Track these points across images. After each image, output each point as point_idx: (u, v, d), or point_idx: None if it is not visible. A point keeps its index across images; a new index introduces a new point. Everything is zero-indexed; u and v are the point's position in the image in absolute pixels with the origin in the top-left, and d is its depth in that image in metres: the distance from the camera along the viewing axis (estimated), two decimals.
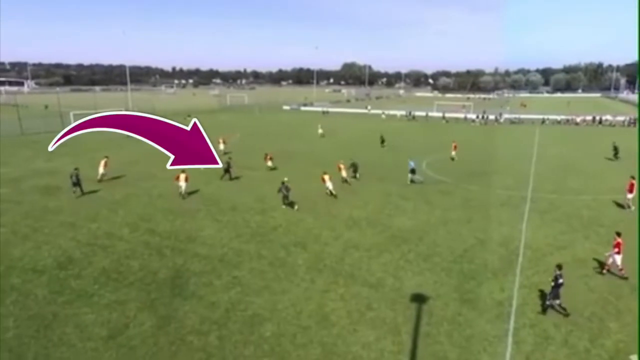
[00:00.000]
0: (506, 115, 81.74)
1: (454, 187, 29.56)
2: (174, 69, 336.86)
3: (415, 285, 15.57)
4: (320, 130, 53.68)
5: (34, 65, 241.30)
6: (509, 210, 24.51)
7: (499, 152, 44.73)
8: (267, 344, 12.18)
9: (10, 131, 52.02)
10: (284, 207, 24.17)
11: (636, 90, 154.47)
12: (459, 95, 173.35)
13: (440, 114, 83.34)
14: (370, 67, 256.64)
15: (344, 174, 30.46)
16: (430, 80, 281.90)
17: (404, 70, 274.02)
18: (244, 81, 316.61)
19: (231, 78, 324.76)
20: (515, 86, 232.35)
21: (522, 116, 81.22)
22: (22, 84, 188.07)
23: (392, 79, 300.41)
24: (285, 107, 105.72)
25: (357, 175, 31.94)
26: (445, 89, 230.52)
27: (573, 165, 37.50)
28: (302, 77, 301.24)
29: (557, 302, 13.74)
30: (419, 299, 14.60)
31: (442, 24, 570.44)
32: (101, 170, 29.94)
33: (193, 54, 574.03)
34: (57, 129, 55.71)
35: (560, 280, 13.59)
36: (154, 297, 14.57)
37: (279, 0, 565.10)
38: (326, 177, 26.86)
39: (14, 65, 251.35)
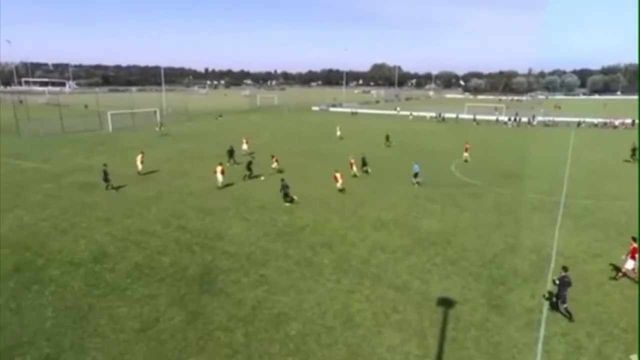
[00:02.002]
0: (539, 118, 79.37)
1: (484, 190, 28.98)
2: (206, 70, 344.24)
3: (442, 289, 15.39)
4: (338, 132, 53.37)
5: (75, 66, 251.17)
6: (541, 215, 23.85)
7: (531, 155, 43.49)
8: (292, 343, 12.31)
9: (53, 130, 54.38)
10: (286, 204, 24.76)
11: None
12: (490, 97, 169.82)
13: (470, 116, 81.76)
14: (400, 68, 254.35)
15: (354, 169, 32.19)
16: (462, 82, 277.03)
17: (434, 71, 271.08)
18: (274, 82, 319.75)
19: (262, 79, 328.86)
20: (549, 88, 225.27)
21: (557, 119, 78.69)
22: (63, 84, 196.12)
23: (422, 80, 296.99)
24: (315, 108, 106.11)
25: (368, 169, 33.34)
26: (476, 90, 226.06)
27: (610, 169, 36.13)
28: (331, 78, 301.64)
29: (565, 305, 13.61)
30: (446, 303, 14.43)
31: (475, 24, 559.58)
32: (139, 165, 32.05)
33: (225, 56, 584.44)
34: (96, 127, 58.39)
35: (557, 282, 13.66)
36: (183, 293, 14.96)
37: (310, 2, 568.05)
38: (338, 174, 27.88)
39: (57, 66, 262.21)
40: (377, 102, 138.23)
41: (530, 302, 14.55)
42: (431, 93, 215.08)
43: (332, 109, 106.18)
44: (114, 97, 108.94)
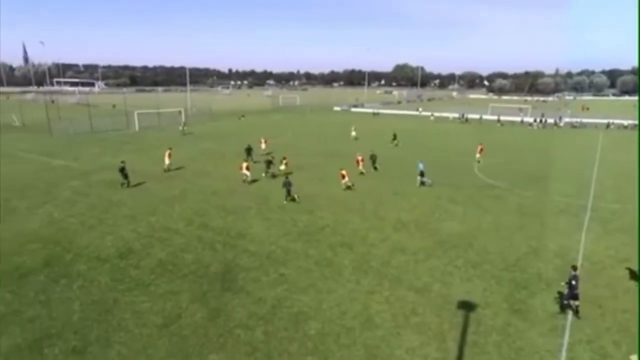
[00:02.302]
0: (567, 119, 77.35)
1: (507, 192, 28.46)
2: (230, 70, 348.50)
3: (463, 292, 15.21)
4: (353, 133, 52.88)
5: (104, 67, 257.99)
6: (566, 218, 23.29)
7: (557, 157, 42.48)
8: (311, 342, 12.38)
9: (82, 129, 55.99)
10: (285, 202, 25.23)
11: None
12: (515, 98, 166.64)
13: (494, 117, 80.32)
14: (422, 69, 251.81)
15: (360, 166, 32.95)
16: (486, 82, 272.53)
17: (458, 72, 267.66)
18: (296, 82, 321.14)
19: (284, 79, 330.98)
20: (577, 88, 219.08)
21: (585, 120, 76.53)
22: (93, 84, 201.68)
23: (445, 81, 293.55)
24: (336, 108, 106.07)
25: (377, 166, 34.23)
26: (501, 90, 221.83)
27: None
28: (353, 78, 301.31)
29: (576, 303, 13.69)
30: (467, 306, 14.27)
31: (500, 23, 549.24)
32: (167, 161, 33.20)
33: (248, 56, 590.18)
34: (123, 127, 59.80)
35: (573, 282, 13.59)
36: (205, 290, 15.21)
37: (332, 2, 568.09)
38: (344, 172, 28.47)
39: (87, 67, 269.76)
40: (399, 102, 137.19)
41: (554, 307, 14.25)
42: (454, 93, 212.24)
43: (353, 110, 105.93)
44: (140, 97, 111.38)
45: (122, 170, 28.44)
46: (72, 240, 19.52)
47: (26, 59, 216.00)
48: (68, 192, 27.34)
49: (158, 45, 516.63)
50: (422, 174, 29.96)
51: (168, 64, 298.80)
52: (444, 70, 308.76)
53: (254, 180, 29.96)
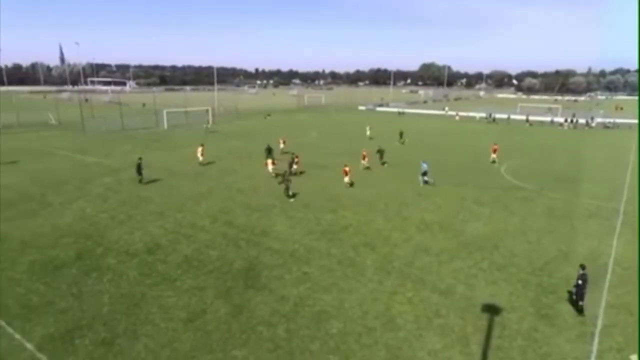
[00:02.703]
0: (599, 119, 74.81)
1: (535, 194, 27.79)
2: (256, 69, 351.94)
3: (488, 295, 14.97)
4: (368, 132, 52.49)
5: (135, 67, 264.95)
6: (597, 222, 22.58)
7: (588, 158, 41.17)
8: (332, 341, 12.43)
9: (114, 127, 57.71)
10: (291, 200, 25.71)
11: None
12: (545, 97, 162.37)
13: (523, 117, 78.43)
14: (449, 68, 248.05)
15: (365, 161, 34.12)
16: (514, 81, 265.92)
17: (486, 71, 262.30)
18: (321, 82, 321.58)
19: (310, 79, 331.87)
20: (610, 88, 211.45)
21: (618, 120, 73.86)
22: (124, 84, 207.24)
23: (473, 80, 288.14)
24: (361, 108, 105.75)
25: (384, 161, 35.85)
26: (530, 90, 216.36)
27: None
28: (379, 77, 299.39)
29: (581, 303, 13.75)
30: (492, 309, 14.03)
31: (530, 21, 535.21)
32: (200, 156, 35.11)
33: (275, 56, 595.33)
34: (152, 125, 61.10)
35: (580, 282, 13.70)
36: (229, 286, 15.47)
37: (358, 2, 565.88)
38: (347, 168, 28.92)
39: (119, 67, 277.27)
40: (425, 102, 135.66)
41: (584, 313, 13.84)
42: (482, 93, 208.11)
43: (378, 109, 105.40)
44: (169, 96, 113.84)
45: (139, 166, 29.33)
46: (103, 234, 20.16)
47: (62, 59, 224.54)
48: (100, 188, 28.24)
49: (187, 45, 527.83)
50: (424, 174, 29.82)
51: (196, 64, 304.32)
52: (472, 69, 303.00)
53: (277, 174, 30.57)
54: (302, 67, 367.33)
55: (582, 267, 14.16)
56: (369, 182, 30.36)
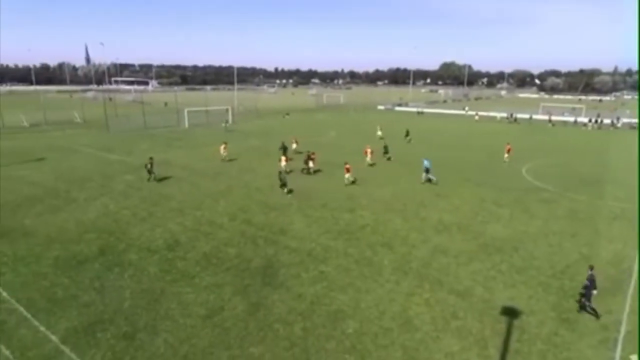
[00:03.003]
0: (625, 120, 72.66)
1: (557, 196, 27.23)
2: (276, 69, 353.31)
3: (507, 298, 14.77)
4: (379, 132, 51.75)
5: (157, 66, 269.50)
6: (622, 224, 22.02)
7: (613, 159, 40.13)
8: (348, 341, 12.44)
9: (137, 125, 58.88)
10: (289, 195, 26.45)
11: None
12: (569, 97, 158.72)
13: (545, 117, 76.83)
14: (470, 67, 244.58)
15: (368, 158, 35.27)
16: (537, 81, 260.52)
17: (507, 70, 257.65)
18: (340, 81, 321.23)
19: (329, 78, 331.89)
20: (638, 87, 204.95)
21: None
22: (147, 83, 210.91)
23: (494, 79, 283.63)
24: (380, 107, 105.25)
25: (389, 156, 37.51)
26: (553, 89, 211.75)
27: None
28: (398, 77, 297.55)
29: (590, 304, 13.75)
30: (510, 312, 13.84)
31: (554, 19, 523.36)
32: (223, 153, 36.64)
33: (294, 55, 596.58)
34: (173, 124, 62.04)
35: (587, 282, 13.73)
36: (247, 284, 15.63)
37: (378, 1, 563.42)
38: (348, 166, 29.17)
39: (142, 66, 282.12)
40: (445, 101, 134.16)
41: (606, 319, 13.55)
42: (503, 92, 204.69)
43: (397, 109, 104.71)
44: (190, 96, 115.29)
45: (150, 166, 29.74)
46: (125, 231, 20.61)
47: (88, 60, 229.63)
48: (122, 185, 28.85)
49: (208, 45, 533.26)
50: (427, 171, 29.95)
51: (217, 64, 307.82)
52: (493, 69, 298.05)
53: (290, 171, 31.76)
54: (321, 67, 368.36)
55: (591, 267, 14.14)
56: (378, 179, 30.25)
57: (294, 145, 41.23)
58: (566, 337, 12.68)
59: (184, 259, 17.68)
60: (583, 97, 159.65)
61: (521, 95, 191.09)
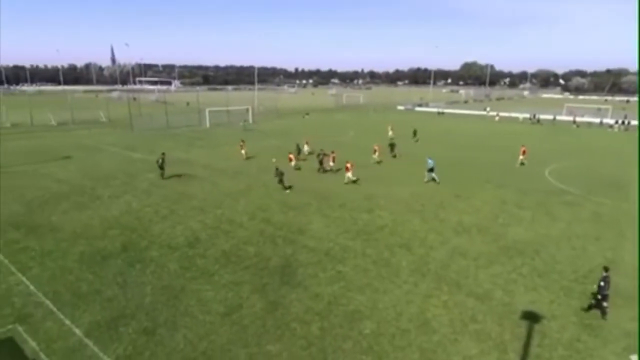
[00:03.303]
0: None
1: (581, 198, 26.61)
2: (296, 69, 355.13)
3: (528, 302, 14.52)
4: (390, 133, 50.89)
5: (180, 67, 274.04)
6: None
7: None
8: (365, 341, 12.44)
9: (159, 125, 60.08)
10: (287, 191, 27.24)
11: None
12: (594, 97, 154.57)
13: (570, 118, 75.03)
14: (492, 67, 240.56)
15: (376, 155, 36.21)
16: (561, 81, 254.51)
17: (530, 70, 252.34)
18: (360, 81, 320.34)
19: (348, 78, 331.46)
20: None
21: None
22: (170, 83, 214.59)
23: (516, 79, 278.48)
24: (400, 108, 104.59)
25: (395, 154, 38.99)
26: (578, 90, 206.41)
27: None
28: (418, 77, 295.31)
29: (604, 304, 13.65)
30: (531, 317, 13.61)
31: (579, 18, 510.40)
32: (243, 152, 37.83)
33: (314, 56, 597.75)
34: (195, 123, 63.15)
35: (602, 283, 13.61)
36: (265, 282, 15.78)
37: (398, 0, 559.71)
38: (349, 164, 29.40)
39: (165, 67, 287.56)
40: (466, 102, 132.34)
41: (631, 325, 13.18)
42: (526, 93, 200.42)
43: (417, 109, 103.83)
44: (212, 95, 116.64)
45: (162, 161, 30.42)
46: (147, 228, 21.04)
47: (113, 60, 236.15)
48: (145, 183, 29.44)
49: (230, 45, 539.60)
50: (431, 170, 29.99)
51: (238, 64, 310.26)
52: (515, 69, 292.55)
53: (298, 168, 33.51)
54: (341, 67, 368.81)
55: (606, 269, 13.93)
56: (384, 178, 30.07)
57: (306, 147, 40.90)
58: (589, 343, 12.40)
59: (203, 256, 17.95)
60: (609, 98, 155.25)
61: (544, 95, 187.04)
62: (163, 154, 31.23)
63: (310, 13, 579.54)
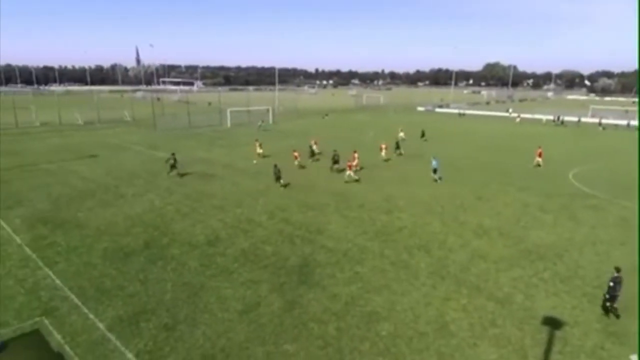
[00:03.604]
0: None
1: (607, 202, 25.92)
2: (316, 70, 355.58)
3: (549, 308, 14.25)
4: (401, 134, 49.96)
5: (202, 67, 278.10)
6: None
7: None
8: (382, 343, 12.40)
9: (182, 124, 61.15)
10: (281, 188, 28.04)
11: None
12: (621, 99, 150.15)
13: (595, 120, 73.09)
14: (515, 67, 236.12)
15: (383, 153, 37.49)
16: (587, 82, 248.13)
17: (555, 71, 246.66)
18: (380, 82, 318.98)
19: (369, 79, 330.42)
20: None
21: None
22: (192, 83, 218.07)
23: (540, 80, 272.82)
24: (420, 109, 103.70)
25: (401, 151, 40.13)
26: (604, 91, 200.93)
27: None
28: (439, 78, 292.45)
29: (615, 305, 13.74)
30: (553, 322, 13.34)
31: (606, 16, 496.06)
32: (259, 150, 37.83)
33: (334, 56, 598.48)
34: (216, 123, 64.01)
35: (612, 284, 13.70)
36: (282, 281, 15.89)
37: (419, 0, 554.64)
38: (350, 163, 30.30)
39: (188, 67, 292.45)
40: (488, 103, 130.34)
41: None
42: (550, 94, 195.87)
43: (438, 110, 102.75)
44: (233, 96, 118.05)
45: (174, 161, 31.11)
46: (169, 226, 21.43)
47: (138, 61, 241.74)
48: (167, 182, 29.97)
49: (251, 47, 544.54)
50: (434, 171, 30.65)
51: (259, 65, 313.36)
52: (539, 69, 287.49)
53: (303, 166, 34.60)
54: (362, 68, 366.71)
55: (617, 269, 14.00)
56: (389, 177, 29.85)
57: (314, 147, 40.10)
58: (613, 351, 12.09)
59: (223, 254, 18.18)
60: (637, 100, 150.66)
61: (569, 97, 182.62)
62: (173, 154, 31.81)
63: (330, 14, 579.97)
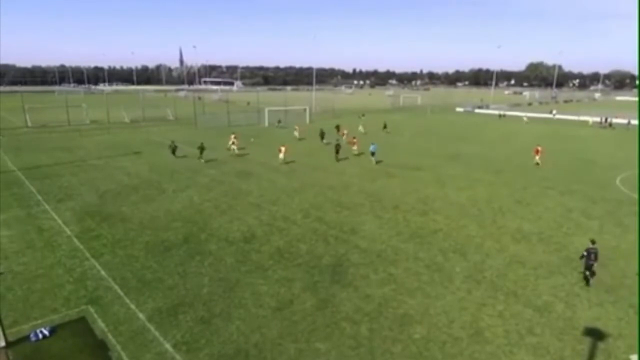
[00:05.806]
0: None
1: None
2: (354, 70, 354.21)
3: (592, 318, 13.69)
4: (360, 127, 51.90)
5: (242, 68, 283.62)
6: None
7: None
8: (415, 346, 12.31)
9: (221, 123, 62.73)
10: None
11: None
12: None
13: None
14: (560, 67, 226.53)
15: (355, 148, 39.04)
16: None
17: (603, 71, 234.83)
18: (418, 82, 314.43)
19: (406, 79, 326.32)
20: None
21: None
22: (232, 83, 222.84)
23: (587, 81, 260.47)
24: (459, 109, 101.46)
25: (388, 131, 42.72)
26: None
27: None
28: (479, 78, 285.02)
29: (587, 272, 15.44)
30: (595, 334, 12.81)
31: None
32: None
33: (372, 56, 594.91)
34: (254, 122, 65.15)
35: (584, 253, 15.44)
36: (316, 280, 16.03)
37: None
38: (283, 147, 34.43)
39: (228, 68, 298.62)
40: (530, 104, 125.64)
41: None
42: (597, 95, 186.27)
43: (477, 111, 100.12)
44: (271, 96, 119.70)
45: (174, 147, 37.32)
46: (207, 222, 22.05)
47: (181, 62, 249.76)
48: (206, 179, 30.83)
49: (290, 47, 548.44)
50: (372, 154, 35.23)
51: (297, 65, 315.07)
52: (586, 69, 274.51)
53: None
54: (399, 68, 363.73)
55: (592, 242, 15.98)
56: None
57: (344, 137, 41.61)
58: None
59: (258, 251, 18.54)
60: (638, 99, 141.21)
61: (618, 98, 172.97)
62: (172, 141, 38.05)
63: (367, 13, 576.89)
